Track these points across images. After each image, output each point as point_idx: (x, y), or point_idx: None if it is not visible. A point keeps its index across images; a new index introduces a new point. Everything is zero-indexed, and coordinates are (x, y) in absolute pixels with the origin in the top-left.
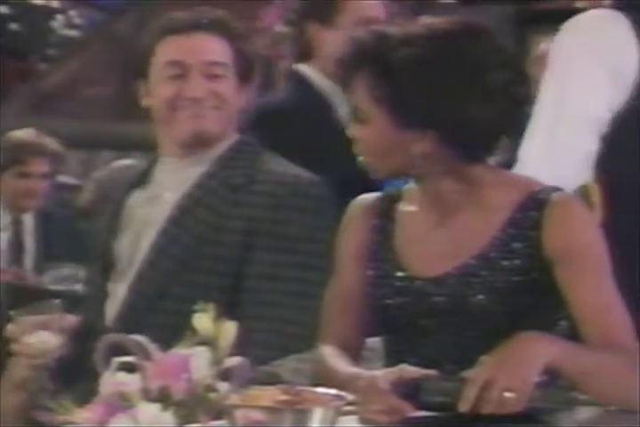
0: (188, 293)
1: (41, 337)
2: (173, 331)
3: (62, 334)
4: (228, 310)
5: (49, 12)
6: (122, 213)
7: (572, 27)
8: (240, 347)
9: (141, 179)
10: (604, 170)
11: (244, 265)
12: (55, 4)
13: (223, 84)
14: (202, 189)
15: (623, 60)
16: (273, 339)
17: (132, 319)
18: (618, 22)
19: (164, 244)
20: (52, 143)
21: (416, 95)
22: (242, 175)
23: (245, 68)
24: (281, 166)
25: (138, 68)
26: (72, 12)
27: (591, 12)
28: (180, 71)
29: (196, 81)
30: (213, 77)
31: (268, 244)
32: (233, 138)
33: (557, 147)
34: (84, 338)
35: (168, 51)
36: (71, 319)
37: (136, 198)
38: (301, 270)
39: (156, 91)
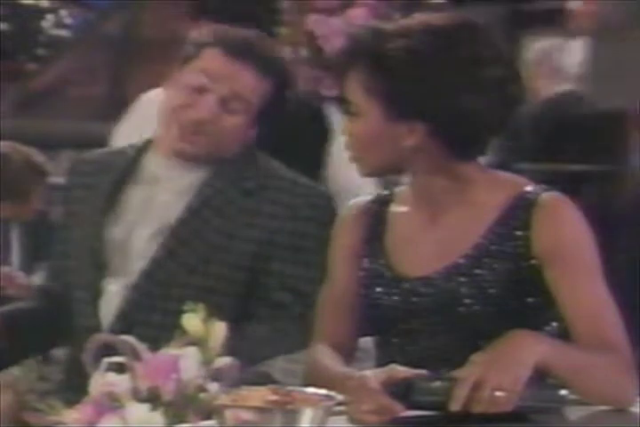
0: (193, 296)
1: None
2: (175, 332)
3: None
4: (232, 316)
5: (38, 12)
6: (112, 206)
7: None
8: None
9: (132, 170)
10: None
11: (262, 276)
12: (45, 4)
13: (233, 118)
14: (211, 188)
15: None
16: (291, 350)
17: (133, 318)
18: None
19: (173, 245)
20: None
21: (408, 86)
22: (252, 178)
23: (270, 109)
24: (288, 173)
25: (180, 55)
26: (62, 12)
27: None
28: (201, 87)
29: (209, 105)
30: (229, 110)
31: (286, 256)
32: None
33: None
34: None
35: (205, 63)
36: None
37: (129, 195)
38: (318, 284)
39: (170, 93)
